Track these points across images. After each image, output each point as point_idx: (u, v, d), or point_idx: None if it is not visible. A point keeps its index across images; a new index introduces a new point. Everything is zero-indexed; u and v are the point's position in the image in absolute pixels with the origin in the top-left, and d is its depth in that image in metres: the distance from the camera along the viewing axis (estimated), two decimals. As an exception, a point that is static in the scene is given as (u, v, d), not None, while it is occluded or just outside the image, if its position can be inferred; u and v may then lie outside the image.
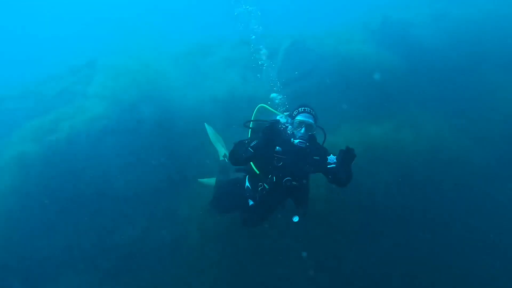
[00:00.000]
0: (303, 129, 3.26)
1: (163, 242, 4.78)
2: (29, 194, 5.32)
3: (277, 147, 3.25)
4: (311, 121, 3.29)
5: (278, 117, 3.65)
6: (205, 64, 7.13)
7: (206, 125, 5.01)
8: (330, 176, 3.33)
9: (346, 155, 3.12)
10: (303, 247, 4.18)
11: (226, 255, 4.29)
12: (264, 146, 3.10)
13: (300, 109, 3.36)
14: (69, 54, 8.61)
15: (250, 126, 3.66)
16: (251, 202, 3.45)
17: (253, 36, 4.79)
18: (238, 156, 3.17)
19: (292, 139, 3.27)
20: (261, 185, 3.39)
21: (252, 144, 3.15)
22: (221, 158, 4.38)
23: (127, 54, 7.33)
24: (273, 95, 3.93)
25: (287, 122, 3.48)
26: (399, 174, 5.00)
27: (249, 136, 3.71)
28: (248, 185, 3.53)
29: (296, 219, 3.36)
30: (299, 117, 3.30)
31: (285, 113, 3.68)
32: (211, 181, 4.42)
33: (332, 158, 3.34)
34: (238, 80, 6.73)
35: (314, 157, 3.35)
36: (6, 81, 8.16)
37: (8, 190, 5.39)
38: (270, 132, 3.05)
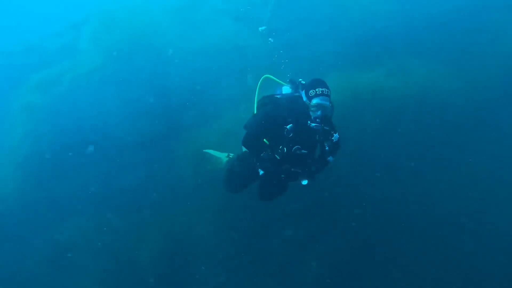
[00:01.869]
0: (319, 111, 3.22)
1: (164, 185, 5.17)
2: (39, 141, 5.79)
3: (289, 127, 3.26)
4: (328, 103, 3.26)
5: (283, 88, 3.64)
6: (196, 17, 7.13)
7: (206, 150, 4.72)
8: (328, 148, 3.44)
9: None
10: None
11: (222, 196, 4.51)
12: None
13: (318, 90, 3.24)
14: (68, 10, 8.65)
15: (255, 100, 3.63)
16: (261, 172, 3.46)
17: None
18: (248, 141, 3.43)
19: (309, 122, 3.24)
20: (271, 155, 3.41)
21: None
22: (225, 159, 4.37)
23: (119, 8, 7.40)
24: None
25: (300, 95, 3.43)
26: (387, 120, 5.02)
27: (255, 111, 3.68)
28: None
29: (305, 182, 3.42)
30: (316, 100, 3.23)
31: (299, 82, 3.56)
32: (220, 156, 4.43)
33: (336, 136, 3.36)
34: (230, 31, 6.73)
35: (325, 127, 3.39)
36: (10, 37, 8.35)
37: (21, 137, 5.89)
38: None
